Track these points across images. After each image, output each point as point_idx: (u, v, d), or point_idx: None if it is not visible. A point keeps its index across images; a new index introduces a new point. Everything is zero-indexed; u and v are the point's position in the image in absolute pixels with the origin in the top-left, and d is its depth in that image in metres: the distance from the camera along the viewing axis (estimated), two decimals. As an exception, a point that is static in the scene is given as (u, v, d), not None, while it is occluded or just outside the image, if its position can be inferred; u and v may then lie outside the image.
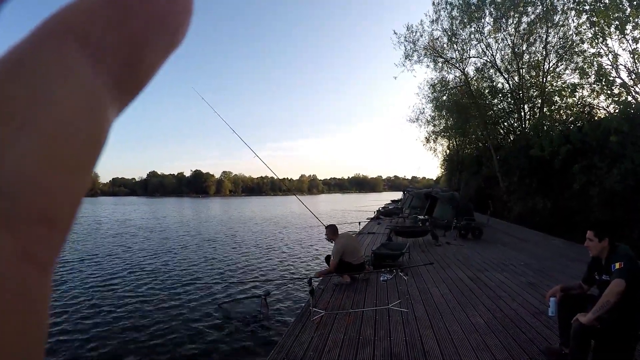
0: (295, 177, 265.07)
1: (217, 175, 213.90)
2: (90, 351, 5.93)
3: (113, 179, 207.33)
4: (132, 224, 29.36)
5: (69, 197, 0.15)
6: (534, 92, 22.58)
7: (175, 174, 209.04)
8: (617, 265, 3.08)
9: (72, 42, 0.15)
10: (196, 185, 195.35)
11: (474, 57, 24.91)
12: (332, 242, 7.11)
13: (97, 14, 0.15)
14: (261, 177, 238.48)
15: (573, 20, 18.52)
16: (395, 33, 26.45)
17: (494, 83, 25.18)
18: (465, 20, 23.35)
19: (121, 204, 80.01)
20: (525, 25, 21.47)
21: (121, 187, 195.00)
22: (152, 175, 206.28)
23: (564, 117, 19.34)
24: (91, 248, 16.19)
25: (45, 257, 0.14)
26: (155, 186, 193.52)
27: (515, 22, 21.97)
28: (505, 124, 25.90)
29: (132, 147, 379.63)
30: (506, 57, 23.62)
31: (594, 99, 16.85)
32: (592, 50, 16.15)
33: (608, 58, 15.26)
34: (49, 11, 0.15)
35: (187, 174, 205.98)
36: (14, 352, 0.13)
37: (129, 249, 16.35)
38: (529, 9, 21.10)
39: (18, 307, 0.13)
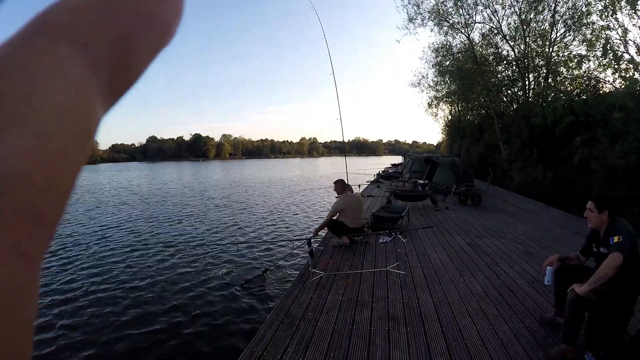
0: (296, 139, 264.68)
1: (217, 139, 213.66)
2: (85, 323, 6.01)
3: (112, 145, 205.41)
4: (132, 190, 29.34)
5: (57, 192, 0.15)
6: (539, 61, 22.15)
7: (175, 138, 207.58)
8: (616, 239, 3.06)
9: (61, 39, 0.15)
10: (196, 149, 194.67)
11: (479, 22, 24.38)
12: (339, 196, 7.17)
13: (86, 12, 0.15)
14: (261, 140, 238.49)
15: (583, -10, 18.06)
16: None
17: (499, 50, 24.69)
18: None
19: (124, 170, 79.82)
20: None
21: (121, 154, 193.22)
22: (152, 140, 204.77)
23: (569, 89, 19.07)
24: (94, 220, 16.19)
25: (33, 252, 0.14)
26: (155, 151, 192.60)
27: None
28: (509, 92, 25.51)
29: (130, 112, 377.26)
30: (512, 24, 23.07)
31: (601, 73, 16.57)
32: (602, 23, 15.84)
33: (617, 32, 14.97)
34: (39, 8, 0.15)
35: (187, 137, 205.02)
36: (2, 347, 0.13)
37: (130, 217, 16.34)
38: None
39: (7, 301, 0.13)
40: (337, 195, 7.29)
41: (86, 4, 0.15)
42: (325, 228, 7.10)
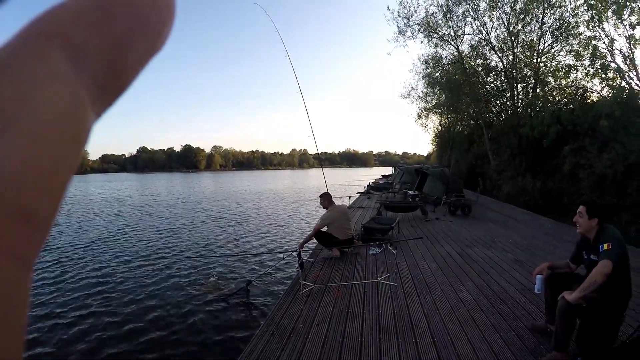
0: (286, 151, 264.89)
1: (208, 150, 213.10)
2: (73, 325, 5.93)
3: (103, 155, 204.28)
4: (123, 202, 29.18)
5: (49, 195, 0.15)
6: (527, 72, 22.45)
7: (165, 149, 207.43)
8: (606, 246, 3.07)
9: (55, 44, 0.15)
10: (187, 160, 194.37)
11: (468, 34, 24.69)
12: (325, 210, 7.14)
13: (80, 17, 0.15)
14: (252, 151, 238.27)
15: (570, 1, 18.42)
16: (388, 9, 26.12)
17: (488, 61, 25.00)
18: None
19: (114, 180, 79.35)
20: (522, 5, 21.17)
21: (111, 164, 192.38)
22: (142, 150, 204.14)
23: (557, 99, 19.31)
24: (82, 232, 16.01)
25: (26, 254, 0.14)
26: (146, 162, 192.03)
27: (511, 0, 21.68)
28: (498, 102, 25.79)
29: (121, 122, 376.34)
30: (501, 35, 23.39)
31: (588, 82, 16.82)
32: (588, 33, 16.10)
33: (604, 42, 15.24)
34: (33, 13, 0.15)
35: (177, 148, 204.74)
36: None
37: (116, 229, 16.27)
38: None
39: (1, 304, 0.13)
40: (323, 207, 7.28)
41: (80, 10, 0.15)
42: (315, 240, 7.08)
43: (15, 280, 0.14)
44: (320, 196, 7.27)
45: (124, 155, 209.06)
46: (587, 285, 3.01)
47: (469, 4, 23.19)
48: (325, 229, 6.93)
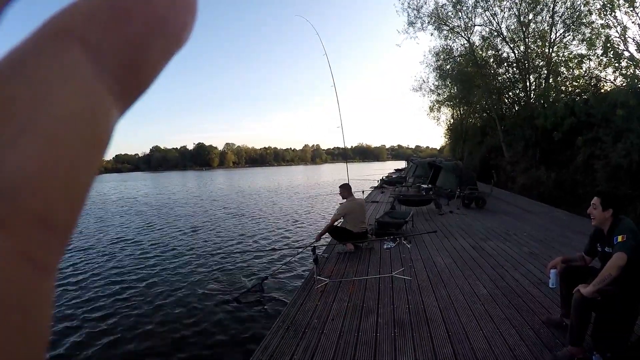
0: (299, 147, 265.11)
1: (220, 148, 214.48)
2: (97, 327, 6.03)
3: (116, 155, 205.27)
4: (140, 201, 29.46)
5: (69, 199, 0.14)
6: (539, 62, 22.17)
7: (178, 147, 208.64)
8: (620, 238, 3.04)
9: (73, 43, 0.15)
10: (199, 158, 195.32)
11: (479, 25, 24.44)
12: (344, 200, 7.22)
13: (97, 15, 0.15)
14: (264, 147, 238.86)
15: (581, -11, 18.09)
16: None
17: (499, 52, 24.73)
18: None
19: (129, 180, 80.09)
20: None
21: (125, 164, 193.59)
22: (155, 149, 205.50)
23: (570, 89, 19.06)
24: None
25: (45, 259, 0.14)
26: (159, 161, 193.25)
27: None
28: (510, 94, 25.53)
29: (134, 122, 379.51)
30: (512, 26, 23.12)
31: (601, 71, 16.56)
32: (601, 22, 15.82)
33: (616, 30, 14.97)
34: (50, 12, 0.15)
35: (190, 147, 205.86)
36: (14, 357, 0.13)
37: (139, 227, 16.49)
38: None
39: (17, 309, 0.13)
40: (340, 202, 7.32)
41: (97, 8, 0.15)
42: (329, 235, 7.12)
43: (37, 286, 0.14)
44: (340, 187, 7.32)
45: (137, 154, 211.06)
46: (601, 278, 2.99)
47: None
48: (340, 222, 6.97)
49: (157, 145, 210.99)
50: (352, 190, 7.34)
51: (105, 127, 0.15)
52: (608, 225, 3.27)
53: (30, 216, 0.13)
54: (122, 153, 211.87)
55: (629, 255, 2.95)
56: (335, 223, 7.02)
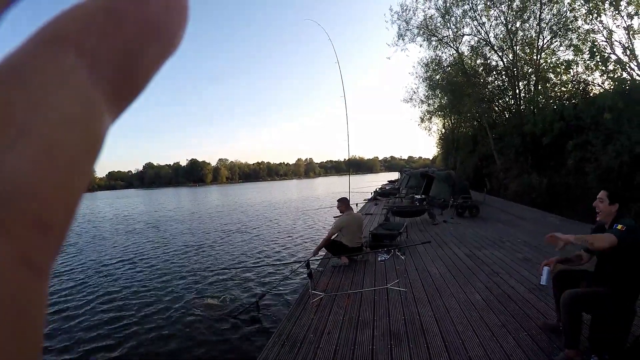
0: (292, 161, 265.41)
1: (214, 163, 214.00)
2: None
3: (109, 172, 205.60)
4: (129, 219, 29.36)
5: (65, 202, 0.15)
6: (528, 69, 22.45)
7: (171, 164, 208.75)
8: (620, 227, 3.02)
9: (68, 49, 0.15)
10: (193, 174, 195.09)
11: (467, 34, 24.73)
12: (341, 214, 7.21)
13: (91, 22, 0.15)
14: (257, 162, 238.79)
15: (567, -4, 18.37)
16: (390, 9, 26.30)
17: (488, 61, 25.00)
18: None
19: (122, 197, 79.82)
20: (519, 2, 21.22)
21: (118, 181, 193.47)
22: (148, 166, 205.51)
23: (559, 94, 19.27)
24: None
25: (41, 261, 0.14)
26: (152, 177, 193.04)
27: (508, -1, 21.74)
28: (500, 101, 25.78)
29: (126, 139, 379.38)
30: (500, 34, 23.42)
31: (589, 76, 16.79)
32: (587, 27, 16.08)
33: (602, 34, 15.22)
34: (45, 18, 0.15)
35: (183, 163, 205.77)
36: (9, 358, 0.13)
37: (127, 242, 16.37)
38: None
39: (14, 311, 0.13)
40: (335, 215, 7.31)
41: (91, 14, 0.15)
42: (324, 249, 7.10)
43: (31, 288, 0.14)
44: (338, 200, 7.33)
45: (130, 171, 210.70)
46: (584, 239, 3.05)
47: (467, 5, 23.27)
48: (336, 235, 6.95)
49: (150, 162, 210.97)
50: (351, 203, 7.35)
51: (99, 131, 0.15)
52: (611, 219, 3.27)
53: (29, 219, 0.13)
54: (115, 170, 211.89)
55: (619, 241, 2.93)
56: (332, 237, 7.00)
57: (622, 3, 14.02)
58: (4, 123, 0.13)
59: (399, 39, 26.29)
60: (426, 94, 32.21)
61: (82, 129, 0.15)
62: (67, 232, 0.15)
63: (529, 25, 21.74)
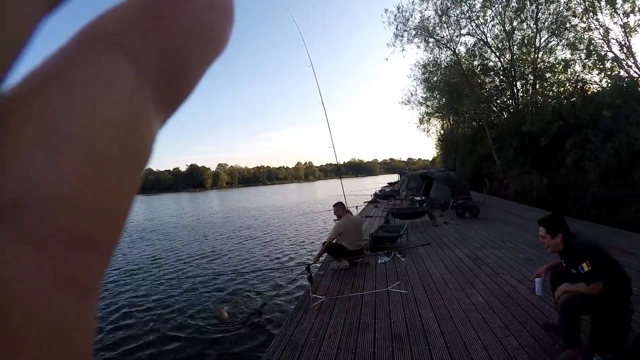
0: (292, 165, 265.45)
1: (213, 168, 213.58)
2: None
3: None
4: (129, 224, 29.24)
5: (110, 215, 0.14)
6: (526, 69, 22.46)
7: (171, 169, 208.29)
8: (585, 266, 3.04)
9: (113, 49, 0.14)
10: (193, 180, 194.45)
11: (465, 35, 24.78)
12: (339, 219, 7.16)
13: (135, 21, 0.14)
14: (257, 167, 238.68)
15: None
16: (386, 11, 26.34)
17: (486, 61, 25.03)
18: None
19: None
20: (515, 3, 21.25)
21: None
22: (148, 172, 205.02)
23: (557, 93, 19.28)
24: None
25: (86, 281, 0.13)
26: (152, 183, 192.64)
27: (505, -1, 21.78)
28: (499, 101, 25.81)
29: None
30: (498, 35, 23.44)
31: (587, 74, 16.82)
32: (583, 25, 16.11)
33: (599, 32, 15.26)
34: (87, 18, 0.15)
35: (183, 168, 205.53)
36: None
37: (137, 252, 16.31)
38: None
39: (58, 332, 0.13)
40: (335, 219, 7.28)
41: (134, 14, 0.14)
42: (325, 252, 7.07)
43: (78, 309, 0.13)
44: (334, 205, 7.29)
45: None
46: (578, 289, 3.11)
47: (465, 5, 23.31)
48: (335, 240, 6.92)
49: (149, 168, 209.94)
50: (347, 207, 7.31)
51: (147, 137, 0.15)
52: (561, 247, 3.30)
53: (67, 234, 0.13)
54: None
55: (601, 277, 3.01)
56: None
57: (618, 0, 14.05)
58: (43, 128, 0.13)
59: (396, 39, 26.38)
60: (424, 95, 32.31)
61: (129, 134, 0.14)
62: (114, 247, 0.14)
63: (526, 25, 21.80)
